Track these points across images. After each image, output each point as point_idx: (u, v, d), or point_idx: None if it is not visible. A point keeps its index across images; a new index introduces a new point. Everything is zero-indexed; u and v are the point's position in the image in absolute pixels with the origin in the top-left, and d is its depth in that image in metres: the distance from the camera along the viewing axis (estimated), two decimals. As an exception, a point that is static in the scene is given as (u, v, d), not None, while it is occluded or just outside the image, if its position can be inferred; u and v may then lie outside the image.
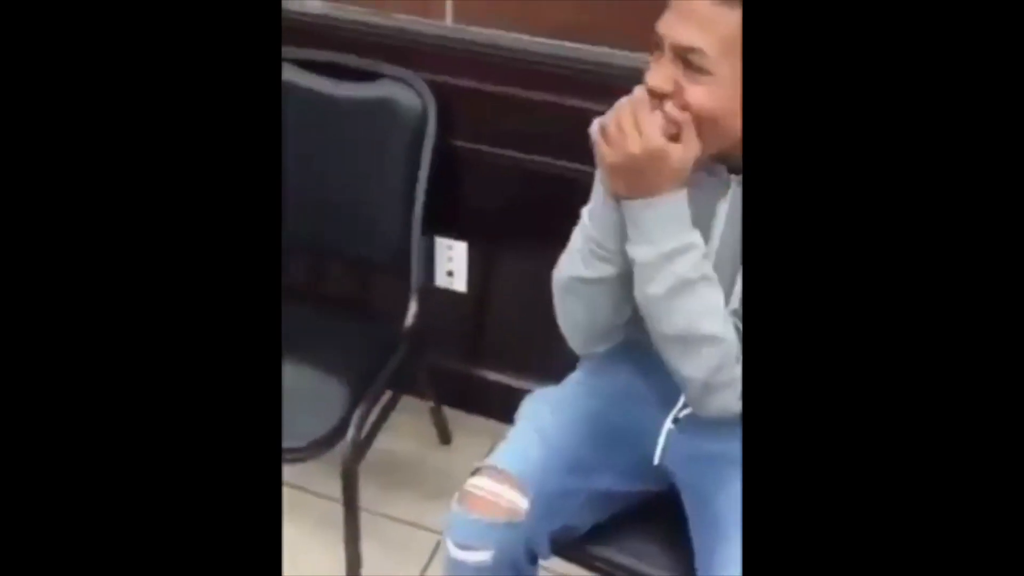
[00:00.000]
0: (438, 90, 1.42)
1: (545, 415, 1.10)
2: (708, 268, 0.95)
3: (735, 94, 0.86)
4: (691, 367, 0.96)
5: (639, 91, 0.91)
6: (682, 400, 1.08)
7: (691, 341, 0.95)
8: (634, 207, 0.93)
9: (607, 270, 0.99)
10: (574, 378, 1.16)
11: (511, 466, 1.02)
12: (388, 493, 1.58)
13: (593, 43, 1.46)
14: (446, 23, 1.53)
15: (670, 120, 0.88)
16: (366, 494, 1.42)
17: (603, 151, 0.92)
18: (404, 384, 1.50)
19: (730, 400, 0.97)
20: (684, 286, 0.93)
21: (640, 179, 0.91)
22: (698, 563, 1.01)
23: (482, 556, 0.98)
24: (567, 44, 1.46)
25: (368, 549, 1.44)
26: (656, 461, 1.08)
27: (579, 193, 1.06)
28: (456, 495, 1.02)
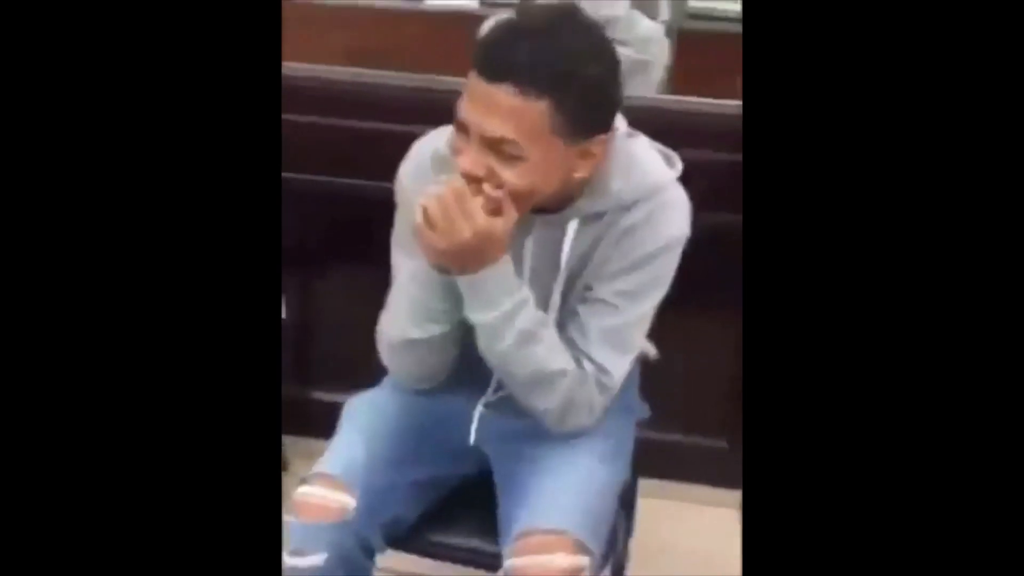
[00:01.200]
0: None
1: (364, 416, 1.16)
2: (541, 314, 1.04)
3: (546, 170, 0.96)
4: (547, 401, 1.06)
5: (457, 183, 0.95)
6: (493, 385, 1.17)
7: (543, 380, 1.04)
8: (469, 279, 1.00)
9: (437, 329, 1.06)
10: (389, 379, 1.22)
11: (335, 469, 1.07)
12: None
13: (380, 67, 1.54)
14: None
15: (490, 199, 0.95)
16: None
17: (432, 240, 0.97)
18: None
19: (584, 418, 1.09)
20: (527, 337, 1.02)
21: (472, 257, 0.98)
22: (500, 525, 1.09)
23: (316, 559, 1.02)
24: (365, 71, 1.54)
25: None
26: (471, 443, 1.17)
27: (380, 209, 1.12)
28: (286, 506, 1.06)
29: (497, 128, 0.93)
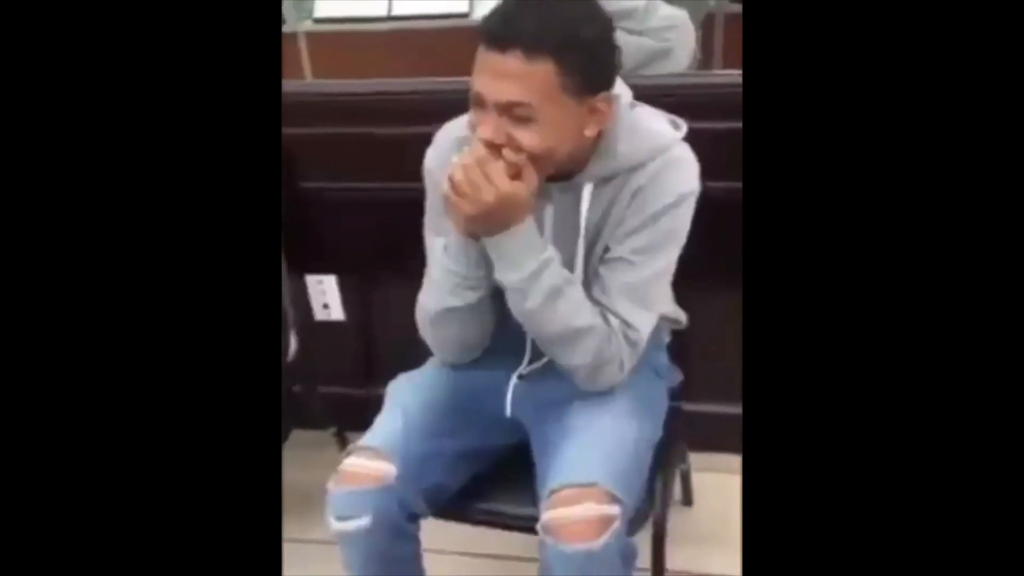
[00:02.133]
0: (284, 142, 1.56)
1: (405, 393, 1.22)
2: (567, 272, 1.10)
3: (560, 129, 1.02)
4: (577, 357, 1.11)
5: (479, 150, 1.02)
6: (526, 358, 1.22)
7: (572, 336, 1.10)
8: (496, 242, 1.07)
9: (473, 296, 1.13)
10: (430, 361, 1.28)
11: (375, 441, 1.14)
12: (311, 521, 1.66)
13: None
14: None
15: (510, 164, 1.03)
16: (290, 527, 1.49)
17: (460, 205, 1.04)
18: (294, 419, 1.61)
19: (615, 373, 1.13)
20: (554, 294, 1.08)
21: (498, 220, 1.05)
22: (536, 487, 1.13)
23: (362, 522, 1.09)
24: (414, 79, 1.62)
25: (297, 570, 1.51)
26: (508, 414, 1.21)
27: (420, 209, 1.19)
28: (332, 478, 1.13)
29: (511, 93, 0.99)
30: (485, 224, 1.06)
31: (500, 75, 0.99)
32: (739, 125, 1.42)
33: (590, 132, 1.06)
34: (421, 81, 1.58)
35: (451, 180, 1.04)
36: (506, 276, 1.08)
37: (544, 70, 0.99)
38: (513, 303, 1.10)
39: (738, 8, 2.39)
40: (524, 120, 1.01)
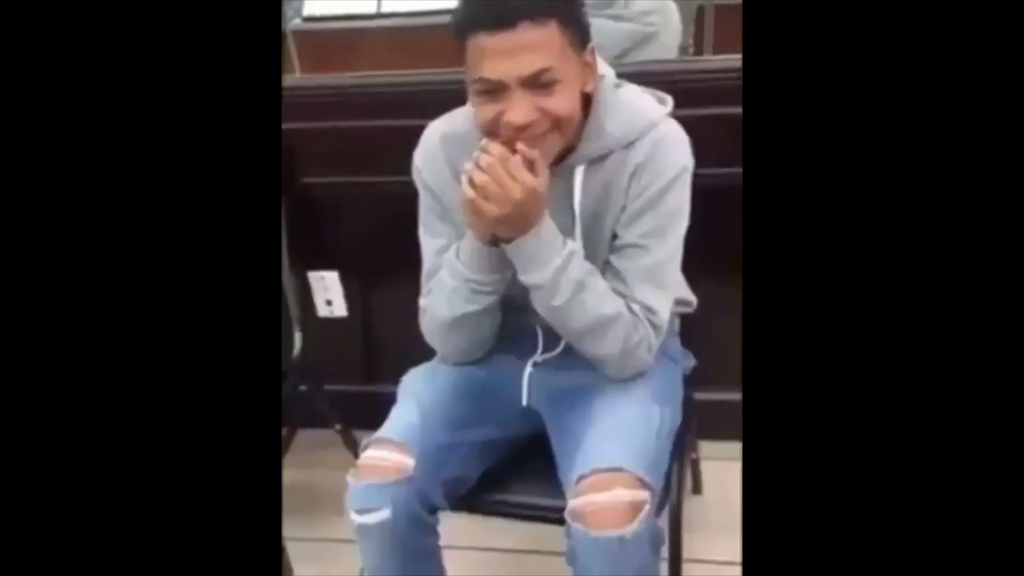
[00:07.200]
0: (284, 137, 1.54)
1: (420, 385, 1.21)
2: (587, 263, 1.08)
3: (575, 88, 1.02)
4: (607, 347, 1.10)
5: (497, 148, 1.00)
6: (540, 347, 1.21)
7: (600, 326, 1.09)
8: (520, 244, 1.05)
9: (488, 300, 1.12)
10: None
11: (393, 433, 1.13)
12: (320, 520, 1.65)
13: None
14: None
15: (527, 159, 1.01)
16: (297, 526, 1.48)
17: (485, 208, 1.01)
18: (299, 419, 1.59)
19: (644, 357, 1.12)
20: (580, 287, 1.07)
21: (523, 220, 1.03)
22: (560, 475, 1.12)
23: (382, 515, 1.08)
24: (418, 71, 1.61)
25: (306, 571, 1.50)
26: (524, 404, 1.21)
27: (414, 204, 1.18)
28: (350, 471, 1.12)
29: (535, 63, 0.98)
30: (513, 224, 1.04)
31: (517, 50, 0.98)
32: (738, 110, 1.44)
33: (589, 88, 1.06)
34: (422, 73, 1.57)
35: (472, 184, 1.02)
36: (532, 276, 1.07)
37: (552, 31, 0.99)
38: (539, 301, 1.09)
39: (725, 0, 2.43)
40: (549, 87, 1.00)
